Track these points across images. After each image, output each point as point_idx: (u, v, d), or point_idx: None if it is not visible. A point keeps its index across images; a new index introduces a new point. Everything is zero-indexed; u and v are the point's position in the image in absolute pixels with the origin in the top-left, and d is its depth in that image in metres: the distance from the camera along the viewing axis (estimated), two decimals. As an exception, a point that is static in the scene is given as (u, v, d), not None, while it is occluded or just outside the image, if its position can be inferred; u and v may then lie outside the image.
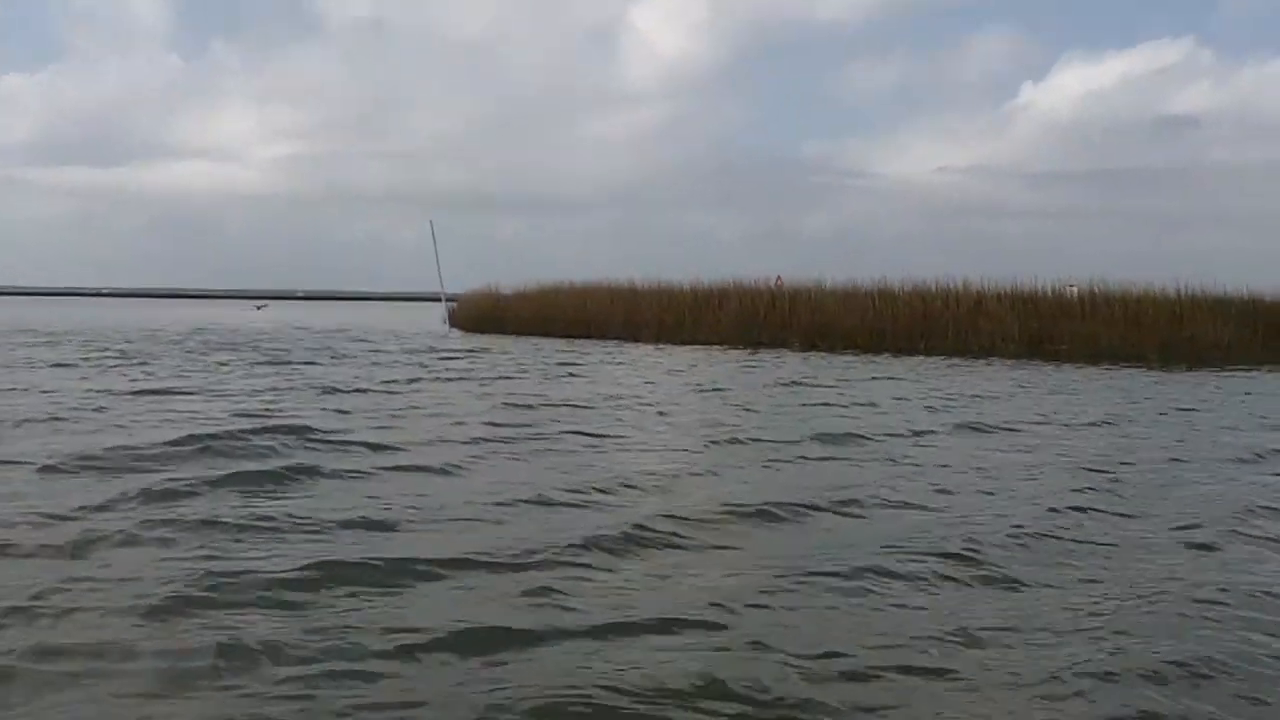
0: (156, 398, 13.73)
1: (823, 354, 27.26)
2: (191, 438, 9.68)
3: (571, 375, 19.58)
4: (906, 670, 4.35)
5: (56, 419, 11.13)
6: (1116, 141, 65.70)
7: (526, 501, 7.43)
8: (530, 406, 13.78)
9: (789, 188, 79.57)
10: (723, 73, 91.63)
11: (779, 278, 33.87)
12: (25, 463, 8.34)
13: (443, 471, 8.67)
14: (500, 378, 18.53)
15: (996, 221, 63.64)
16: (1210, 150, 64.22)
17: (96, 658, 4.23)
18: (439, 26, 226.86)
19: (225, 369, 19.11)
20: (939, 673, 4.33)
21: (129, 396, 13.78)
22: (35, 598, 4.93)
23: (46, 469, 8.13)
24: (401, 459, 9.19)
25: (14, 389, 14.41)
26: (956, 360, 25.22)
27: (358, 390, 15.52)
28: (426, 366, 21.08)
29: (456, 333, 36.97)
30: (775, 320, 31.06)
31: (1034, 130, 72.20)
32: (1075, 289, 29.37)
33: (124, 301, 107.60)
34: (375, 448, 9.73)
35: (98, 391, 14.26)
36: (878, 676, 4.28)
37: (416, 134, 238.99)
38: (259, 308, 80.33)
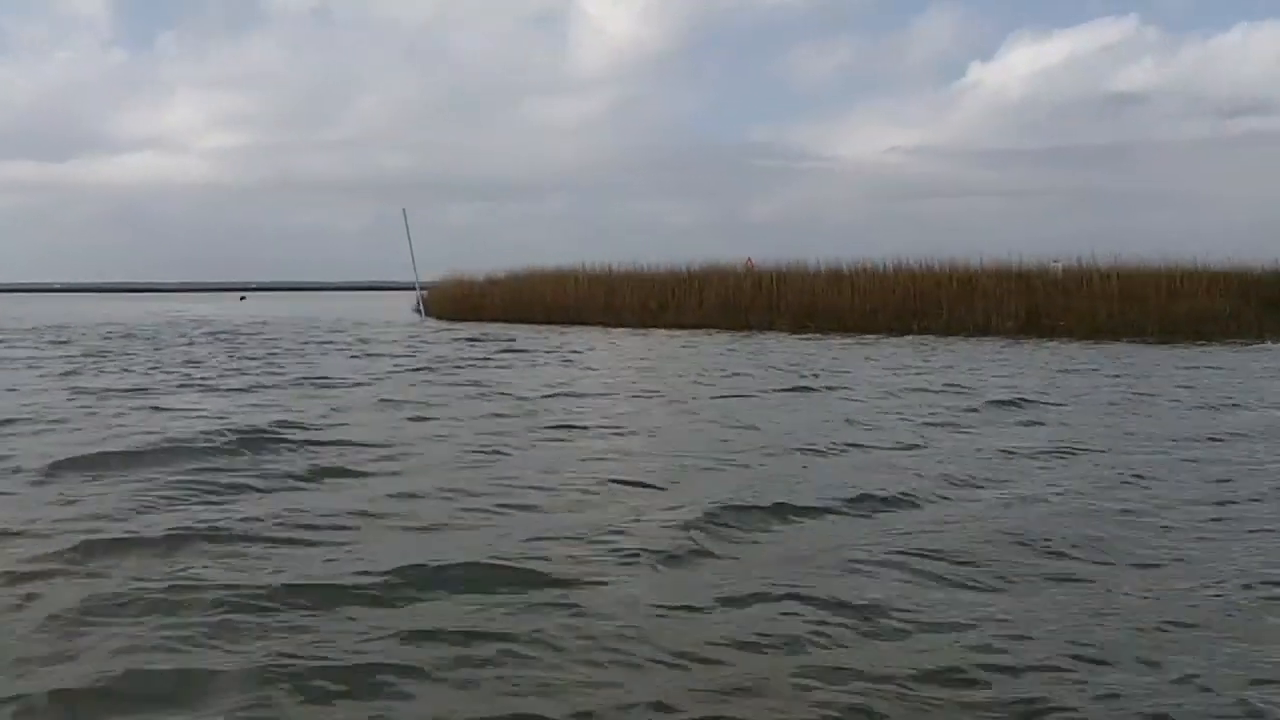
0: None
1: (814, 336, 26.76)
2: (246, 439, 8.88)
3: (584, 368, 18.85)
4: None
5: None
6: (1064, 119, 66.37)
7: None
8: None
9: (739, 172, 79.39)
10: (672, 57, 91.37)
11: (750, 260, 33.53)
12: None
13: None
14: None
15: (947, 201, 63.95)
16: (1154, 127, 65.08)
17: None
18: (385, 11, 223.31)
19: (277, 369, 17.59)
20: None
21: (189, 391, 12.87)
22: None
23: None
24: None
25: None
26: (979, 338, 24.82)
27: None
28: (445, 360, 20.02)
29: (432, 322, 36.00)
30: (762, 302, 30.49)
31: (983, 109, 72.78)
32: (1060, 265, 29.11)
33: (81, 297, 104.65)
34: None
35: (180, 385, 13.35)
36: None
37: (364, 121, 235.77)
38: (242, 299, 78.40)
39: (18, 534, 5.91)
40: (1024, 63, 73.05)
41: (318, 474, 7.77)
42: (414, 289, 44.84)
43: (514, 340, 24.92)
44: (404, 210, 38.42)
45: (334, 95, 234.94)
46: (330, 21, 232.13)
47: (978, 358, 19.56)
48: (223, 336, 27.64)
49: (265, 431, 9.51)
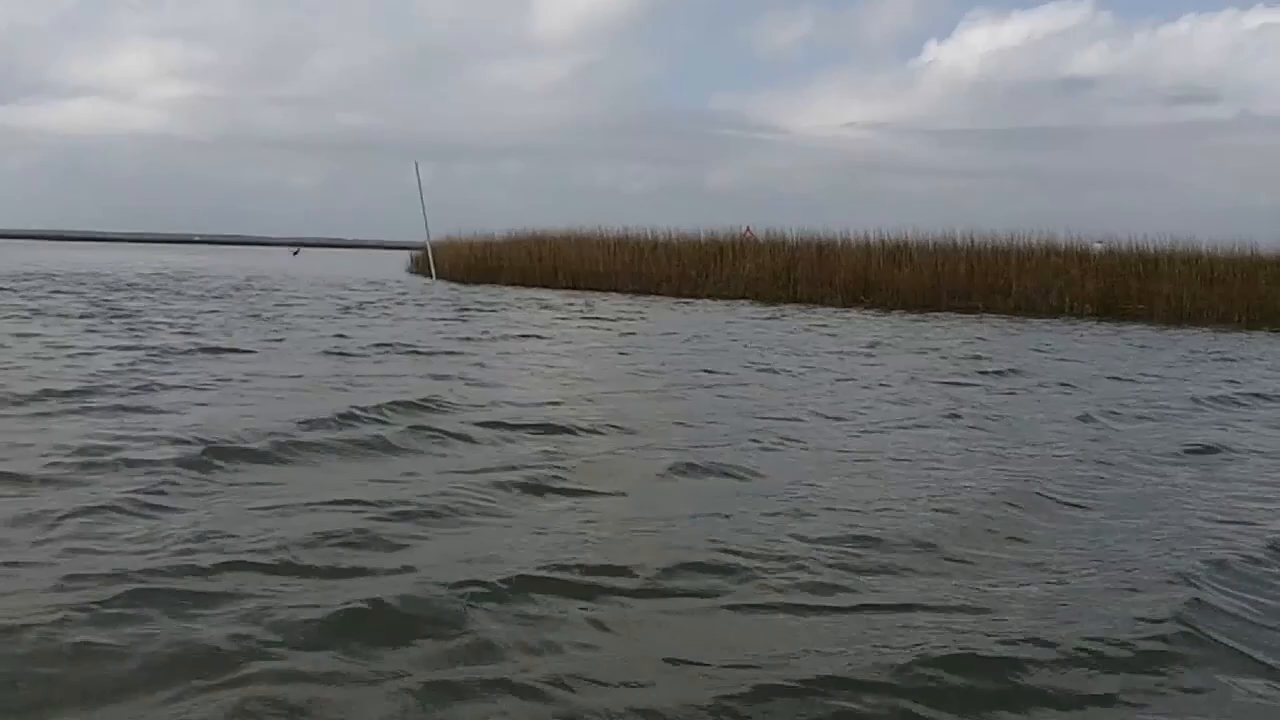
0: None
1: (871, 311, 25.56)
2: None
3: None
4: None
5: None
6: (1019, 101, 66.38)
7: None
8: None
9: (699, 139, 78.34)
10: (634, 24, 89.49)
11: (748, 228, 32.46)
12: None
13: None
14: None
15: (903, 178, 63.73)
16: (1106, 110, 65.33)
17: None
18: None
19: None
20: None
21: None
22: None
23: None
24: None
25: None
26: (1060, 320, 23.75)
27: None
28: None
29: (444, 285, 34.08)
30: (809, 275, 29.20)
31: (939, 88, 72.43)
32: (1100, 245, 28.23)
33: (27, 244, 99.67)
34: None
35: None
36: None
37: (322, 78, 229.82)
38: (295, 254, 74.69)
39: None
40: (980, 43, 73.33)
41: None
42: (395, 249, 43.52)
43: (591, 307, 23.36)
44: (416, 164, 36.36)
45: (292, 51, 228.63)
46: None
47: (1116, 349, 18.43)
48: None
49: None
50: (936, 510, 5.75)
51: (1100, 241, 28.53)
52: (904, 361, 14.18)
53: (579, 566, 4.47)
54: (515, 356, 13.49)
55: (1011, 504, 5.94)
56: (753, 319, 22.06)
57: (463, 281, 34.58)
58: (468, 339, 15.36)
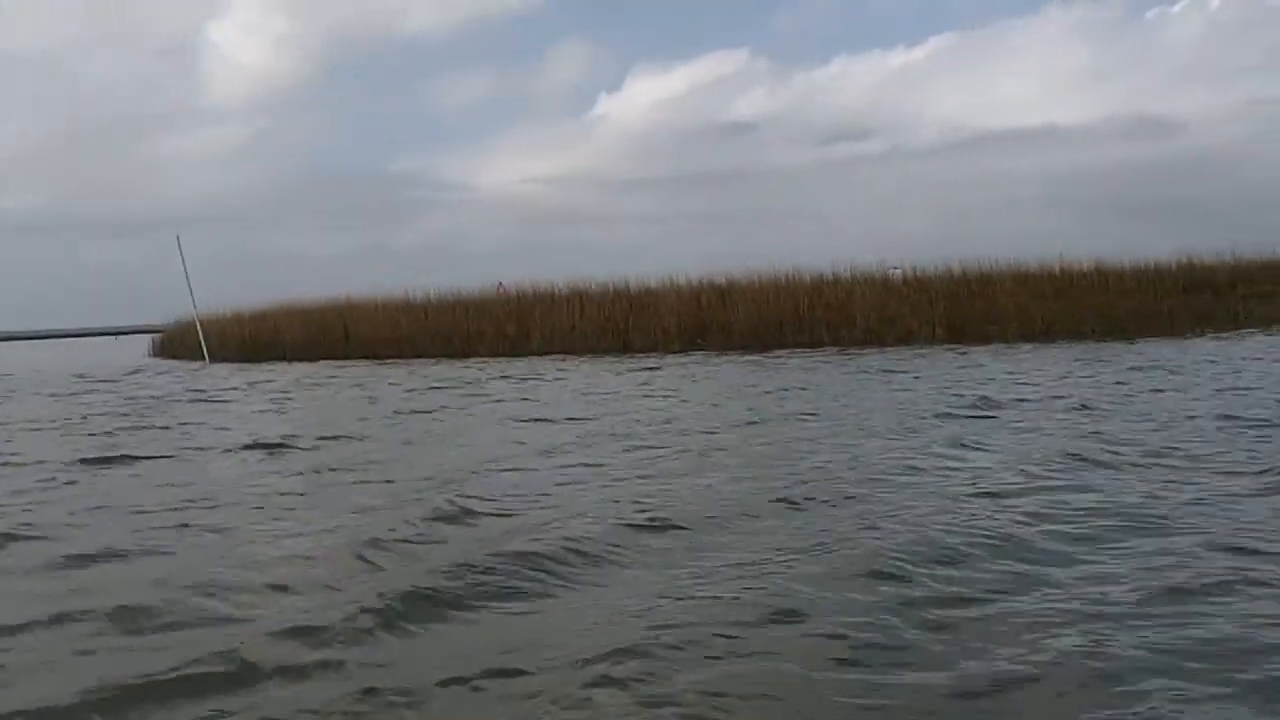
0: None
1: (720, 355, 23.84)
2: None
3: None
4: None
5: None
6: (687, 148, 69.07)
7: None
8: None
9: (383, 202, 76.07)
10: (310, 87, 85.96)
11: (500, 284, 30.57)
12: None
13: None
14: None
15: (583, 228, 64.35)
16: (769, 151, 68.99)
17: None
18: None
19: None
20: None
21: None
22: None
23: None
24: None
25: None
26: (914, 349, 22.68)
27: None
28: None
29: (223, 368, 29.61)
30: (641, 322, 27.20)
31: (613, 139, 74.13)
32: (899, 271, 27.92)
33: None
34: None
35: None
36: None
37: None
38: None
39: None
40: (648, 94, 75.84)
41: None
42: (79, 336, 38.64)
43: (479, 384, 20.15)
44: (178, 237, 31.72)
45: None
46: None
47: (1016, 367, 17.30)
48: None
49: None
50: None
51: (897, 267, 28.17)
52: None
53: None
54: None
55: None
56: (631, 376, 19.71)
57: (241, 361, 30.34)
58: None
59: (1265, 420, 8.91)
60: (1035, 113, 66.81)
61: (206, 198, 72.62)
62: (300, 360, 29.33)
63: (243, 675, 3.58)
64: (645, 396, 14.33)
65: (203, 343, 31.50)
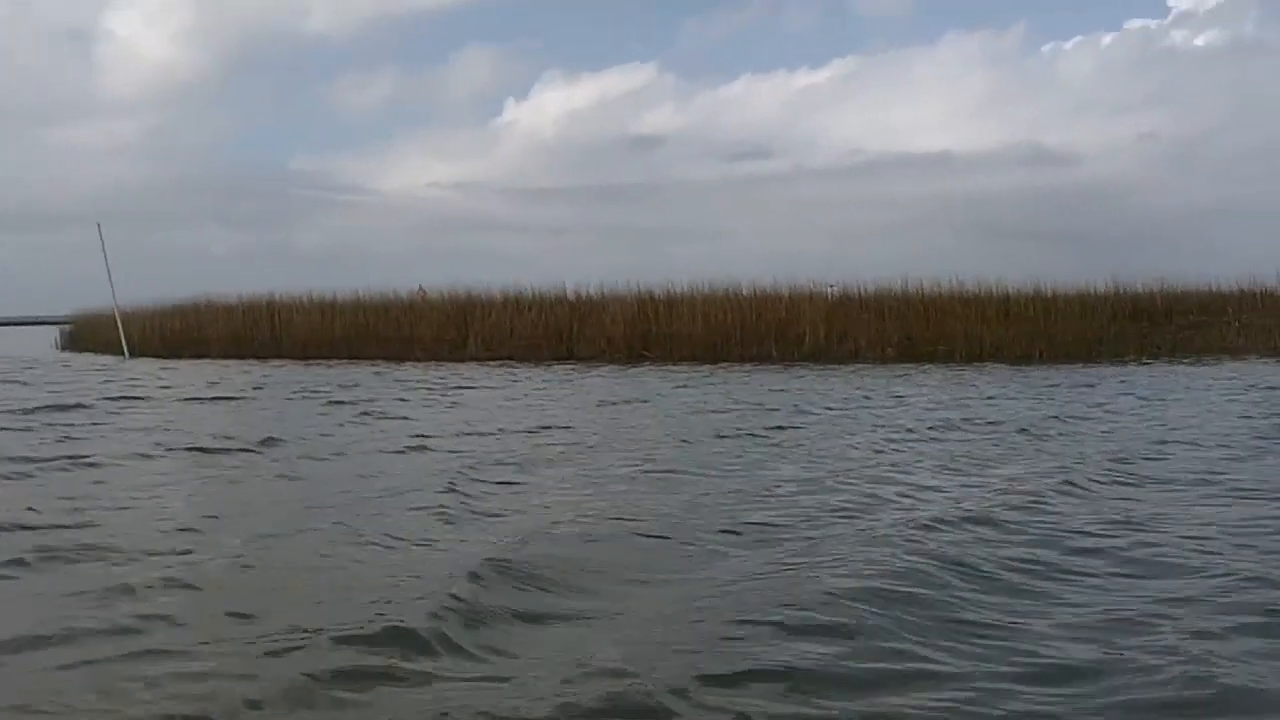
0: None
1: (666, 366, 23.47)
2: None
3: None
4: None
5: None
6: (595, 159, 69.16)
7: None
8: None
9: (282, 202, 74.31)
10: (208, 83, 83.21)
11: (420, 288, 29.99)
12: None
13: None
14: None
15: (489, 235, 63.93)
16: (675, 167, 69.42)
17: None
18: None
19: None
20: None
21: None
22: None
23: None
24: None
25: None
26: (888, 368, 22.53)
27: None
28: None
29: (147, 363, 28.26)
30: (587, 330, 26.69)
31: (520, 147, 73.59)
32: (834, 289, 27.92)
33: None
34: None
35: None
36: None
37: None
38: None
39: None
40: (557, 103, 75.57)
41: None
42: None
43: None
44: (99, 225, 30.20)
45: None
46: None
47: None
48: None
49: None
50: None
51: (833, 285, 28.11)
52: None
53: None
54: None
55: None
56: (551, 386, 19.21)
57: (163, 356, 29.03)
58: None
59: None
60: (933, 138, 68.11)
61: (101, 192, 69.83)
62: (227, 358, 28.20)
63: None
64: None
65: (123, 337, 30.08)
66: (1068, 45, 67.77)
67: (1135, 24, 69.39)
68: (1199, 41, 60.19)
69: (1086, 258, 61.45)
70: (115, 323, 30.49)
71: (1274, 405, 13.22)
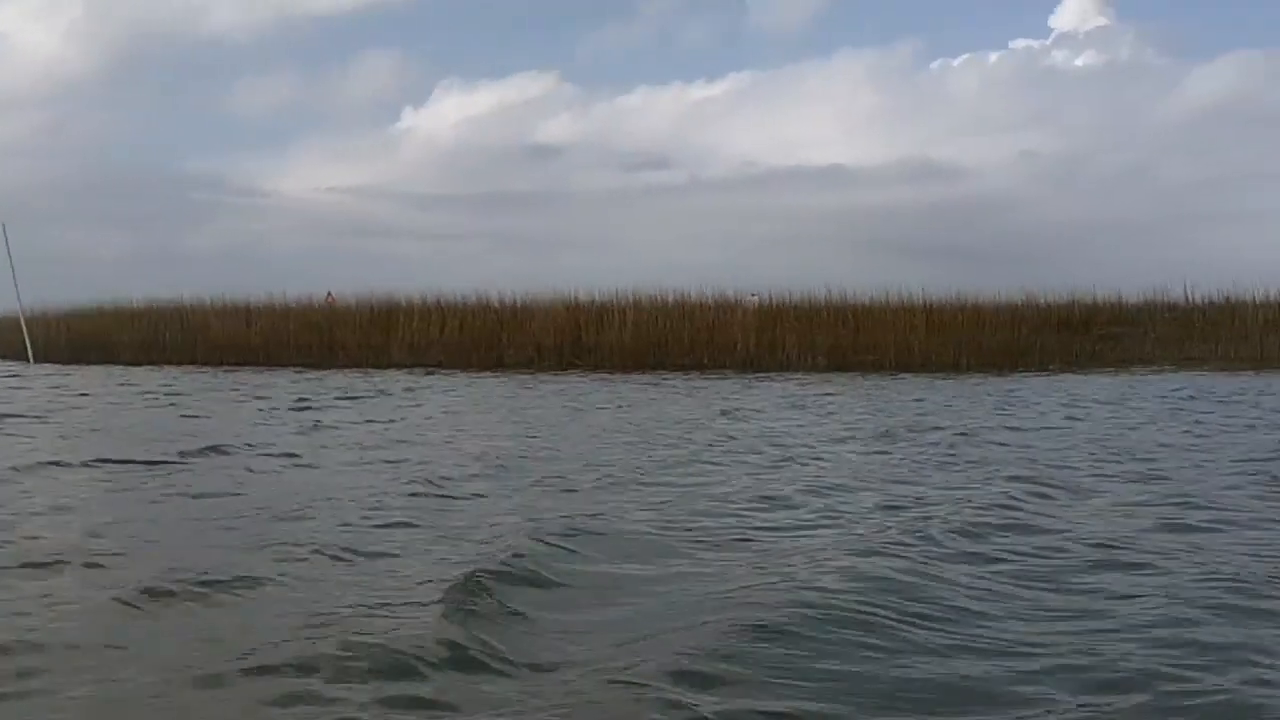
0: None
1: (601, 374, 23.27)
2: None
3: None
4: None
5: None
6: (493, 167, 68.96)
7: None
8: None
9: (173, 205, 71.96)
10: (99, 81, 79.89)
11: (330, 295, 29.72)
12: None
13: None
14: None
15: (387, 240, 63.13)
16: (572, 176, 69.43)
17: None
18: None
19: None
20: None
21: None
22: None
23: None
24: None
25: None
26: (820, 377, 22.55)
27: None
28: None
29: (48, 367, 26.99)
30: (517, 338, 26.35)
31: (418, 153, 72.69)
32: (756, 298, 28.11)
33: None
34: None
35: None
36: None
37: None
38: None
39: None
40: (454, 110, 74.85)
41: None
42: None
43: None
44: (3, 225, 28.71)
45: None
46: None
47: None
48: None
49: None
50: None
51: (755, 294, 28.26)
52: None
53: None
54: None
55: None
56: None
57: (69, 362, 27.79)
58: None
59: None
60: (826, 152, 69.04)
61: (-12, 190, 66.64)
62: (137, 364, 27.11)
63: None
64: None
65: (27, 342, 28.72)
66: (956, 62, 69.13)
67: (1020, 43, 71.04)
68: (1078, 62, 62.24)
69: (975, 272, 62.92)
70: (20, 326, 29.13)
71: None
